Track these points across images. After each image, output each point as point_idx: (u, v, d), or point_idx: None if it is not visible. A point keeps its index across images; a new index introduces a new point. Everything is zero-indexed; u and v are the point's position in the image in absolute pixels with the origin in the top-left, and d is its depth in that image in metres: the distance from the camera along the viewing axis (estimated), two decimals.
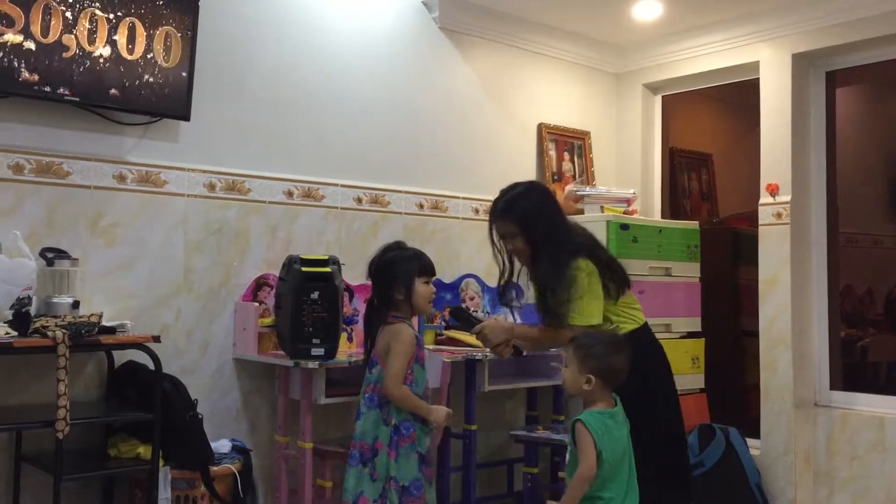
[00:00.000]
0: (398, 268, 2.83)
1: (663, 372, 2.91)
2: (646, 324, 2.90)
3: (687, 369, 4.49)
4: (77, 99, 3.07)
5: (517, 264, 2.96)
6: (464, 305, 4.17)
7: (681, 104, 5.35)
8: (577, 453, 2.39)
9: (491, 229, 2.94)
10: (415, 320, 3.76)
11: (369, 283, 3.80)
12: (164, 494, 2.93)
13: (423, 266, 2.87)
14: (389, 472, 2.71)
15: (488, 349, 2.92)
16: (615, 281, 2.82)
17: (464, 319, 3.01)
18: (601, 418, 2.42)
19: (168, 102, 3.28)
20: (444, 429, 2.97)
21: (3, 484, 2.98)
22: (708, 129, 6.00)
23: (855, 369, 5.09)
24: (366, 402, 2.81)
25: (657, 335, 4.30)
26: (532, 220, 2.83)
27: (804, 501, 4.17)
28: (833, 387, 4.33)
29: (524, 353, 2.97)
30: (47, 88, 2.99)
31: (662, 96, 5.11)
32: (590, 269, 2.77)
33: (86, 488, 3.15)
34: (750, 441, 4.33)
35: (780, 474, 4.21)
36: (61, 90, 3.02)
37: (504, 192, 2.93)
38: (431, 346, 3.85)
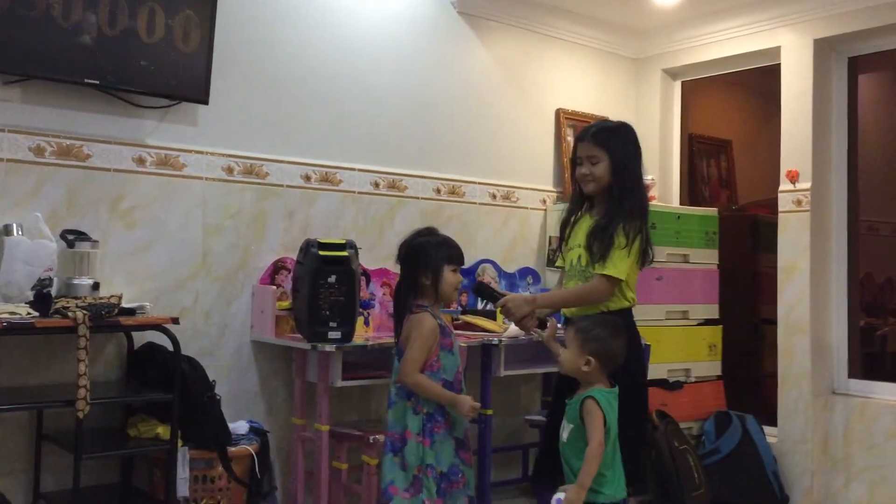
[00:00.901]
0: (427, 253, 2.80)
1: (642, 361, 2.91)
2: (631, 308, 2.86)
3: (704, 356, 4.48)
4: (97, 82, 3.09)
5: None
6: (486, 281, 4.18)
7: (700, 90, 5.31)
8: (585, 429, 2.43)
9: (574, 152, 2.91)
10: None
11: (385, 267, 3.86)
12: (183, 474, 2.96)
13: (452, 254, 2.85)
14: (425, 461, 2.68)
15: (513, 323, 2.87)
16: (645, 253, 2.81)
17: (487, 295, 3.00)
18: (608, 396, 2.47)
19: (187, 86, 3.30)
20: None
21: (24, 462, 3.02)
22: (728, 116, 5.96)
23: (874, 358, 5.05)
24: (396, 391, 2.79)
25: (675, 322, 4.36)
26: (622, 150, 2.81)
27: (821, 489, 4.16)
28: (851, 375, 4.29)
29: (548, 324, 2.94)
30: (69, 72, 3.02)
31: (682, 82, 5.08)
32: (637, 228, 2.76)
33: (105, 467, 3.19)
34: (767, 429, 4.31)
35: (796, 462, 4.19)
36: (82, 73, 3.04)
37: (601, 122, 2.94)
38: None
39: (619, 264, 2.72)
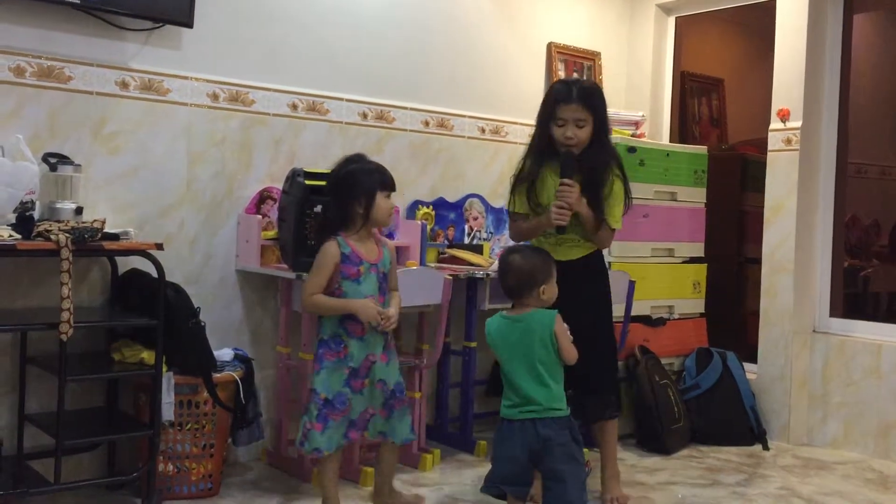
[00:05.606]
0: (360, 180, 2.82)
1: (608, 297, 3.22)
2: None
3: (688, 294, 4.51)
4: (78, 1, 3.01)
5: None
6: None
7: (694, 26, 5.24)
8: None
9: (552, 111, 2.99)
10: (415, 238, 3.78)
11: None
12: (168, 399, 2.97)
13: (385, 180, 2.87)
14: (312, 385, 2.80)
15: (556, 206, 2.95)
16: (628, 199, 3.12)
17: (568, 167, 3.00)
18: (498, 320, 2.76)
19: (171, 8, 3.22)
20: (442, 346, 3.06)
21: (8, 385, 3.03)
22: (721, 54, 5.90)
23: (856, 298, 5.11)
24: None
25: (660, 259, 4.38)
26: (603, 111, 3.00)
27: (797, 424, 4.24)
28: (833, 314, 4.34)
29: (564, 231, 3.03)
30: None
31: (676, 17, 5.00)
32: (624, 180, 3.07)
33: (90, 391, 3.20)
34: (747, 365, 4.36)
35: (775, 398, 4.26)
36: None
37: (578, 80, 3.10)
38: (434, 264, 3.87)
39: (613, 217, 3.04)
